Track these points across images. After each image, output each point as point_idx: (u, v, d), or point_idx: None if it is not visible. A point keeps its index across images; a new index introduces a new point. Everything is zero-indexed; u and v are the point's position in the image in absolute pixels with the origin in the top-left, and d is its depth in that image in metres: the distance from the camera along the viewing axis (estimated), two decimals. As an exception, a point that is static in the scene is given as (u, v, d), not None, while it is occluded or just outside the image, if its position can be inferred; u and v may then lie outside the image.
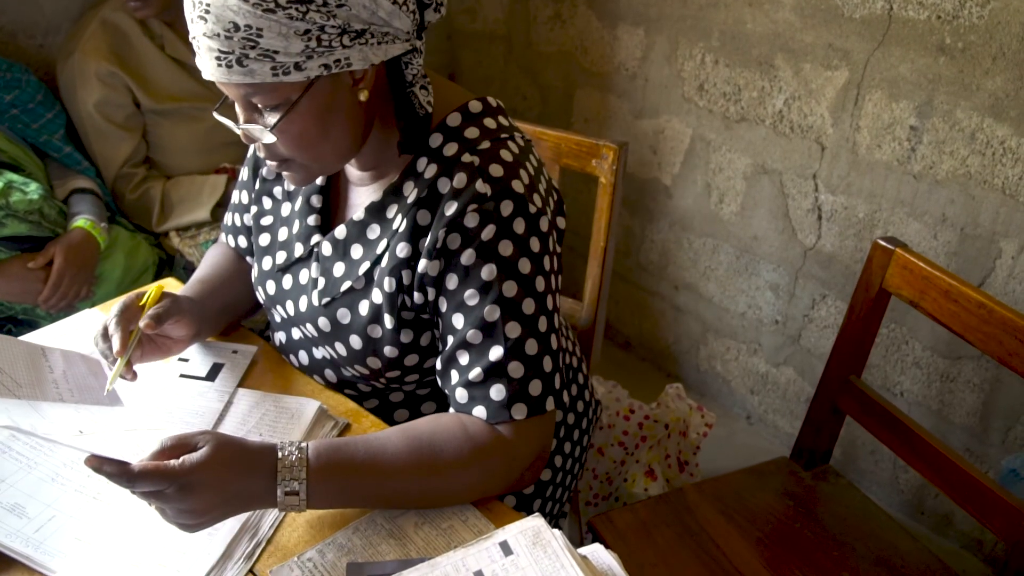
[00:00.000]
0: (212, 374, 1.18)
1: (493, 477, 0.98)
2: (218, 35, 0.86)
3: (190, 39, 0.90)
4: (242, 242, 1.29)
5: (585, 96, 2.46)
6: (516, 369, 0.98)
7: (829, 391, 1.43)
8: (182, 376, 1.18)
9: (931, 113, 1.71)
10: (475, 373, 0.98)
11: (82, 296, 1.73)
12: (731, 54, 2.03)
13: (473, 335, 0.98)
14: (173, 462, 0.85)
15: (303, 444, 0.92)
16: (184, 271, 1.94)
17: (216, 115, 0.99)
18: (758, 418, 2.38)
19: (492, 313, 0.98)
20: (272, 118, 0.93)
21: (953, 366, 1.86)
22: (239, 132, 0.96)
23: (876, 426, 1.35)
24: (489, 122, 1.05)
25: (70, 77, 1.84)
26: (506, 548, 0.87)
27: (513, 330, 0.98)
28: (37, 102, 1.83)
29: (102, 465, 0.83)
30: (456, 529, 0.95)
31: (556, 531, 0.88)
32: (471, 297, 0.98)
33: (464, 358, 1.00)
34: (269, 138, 0.94)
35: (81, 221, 1.74)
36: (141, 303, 1.10)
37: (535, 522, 0.89)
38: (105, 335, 1.08)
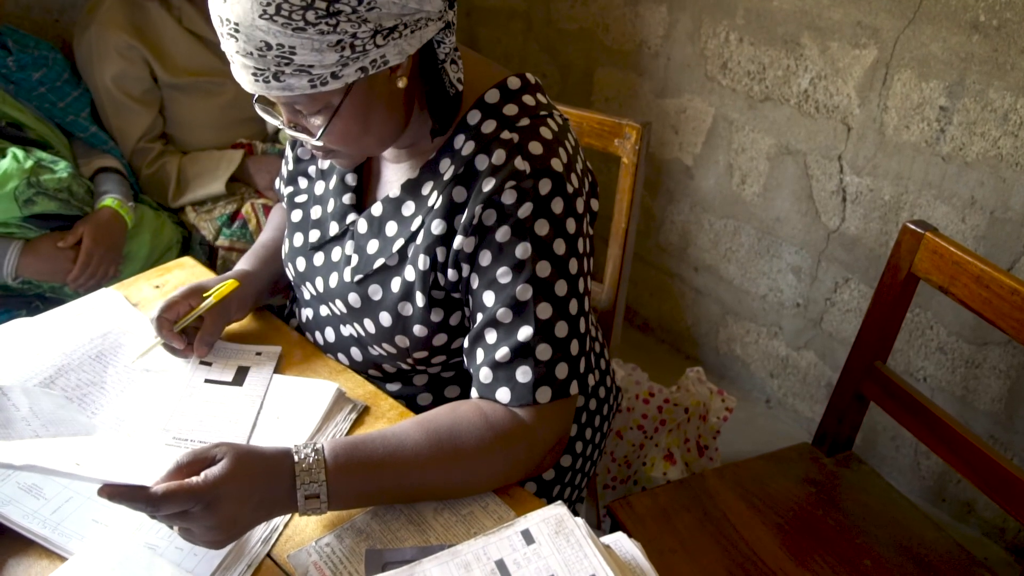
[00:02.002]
0: (239, 378, 1.14)
1: (515, 464, 0.97)
2: (251, 54, 0.84)
3: (223, 50, 0.88)
4: None
5: (606, 75, 2.42)
6: (544, 351, 0.96)
7: (853, 376, 1.41)
8: (207, 381, 1.13)
9: (962, 93, 1.67)
10: (502, 353, 0.97)
11: (110, 275, 1.73)
12: (756, 32, 1.98)
13: (503, 313, 0.97)
14: (195, 479, 0.82)
15: (319, 446, 0.90)
16: (200, 247, 1.93)
17: (257, 108, 0.98)
18: (777, 402, 2.36)
19: (524, 292, 0.96)
20: (316, 120, 0.93)
21: (979, 352, 1.83)
22: (286, 130, 0.97)
23: (901, 412, 1.33)
24: (528, 99, 1.04)
25: (88, 50, 1.83)
26: (528, 537, 0.85)
27: (544, 311, 0.97)
28: (64, 80, 1.82)
29: (118, 493, 0.79)
30: (476, 516, 0.94)
31: (579, 519, 0.86)
32: (504, 275, 0.97)
33: (492, 336, 0.98)
34: (317, 142, 0.95)
35: (109, 200, 1.74)
36: (206, 294, 1.14)
37: (557, 510, 0.88)
38: (168, 306, 1.12)
